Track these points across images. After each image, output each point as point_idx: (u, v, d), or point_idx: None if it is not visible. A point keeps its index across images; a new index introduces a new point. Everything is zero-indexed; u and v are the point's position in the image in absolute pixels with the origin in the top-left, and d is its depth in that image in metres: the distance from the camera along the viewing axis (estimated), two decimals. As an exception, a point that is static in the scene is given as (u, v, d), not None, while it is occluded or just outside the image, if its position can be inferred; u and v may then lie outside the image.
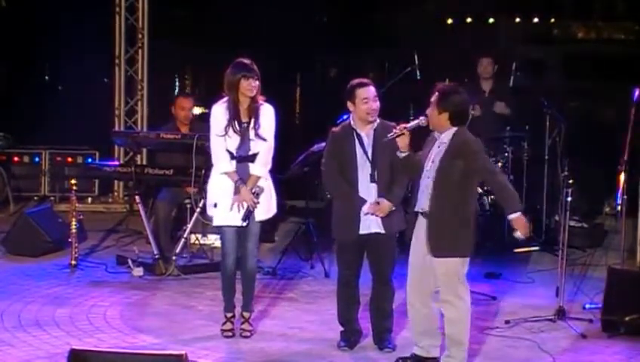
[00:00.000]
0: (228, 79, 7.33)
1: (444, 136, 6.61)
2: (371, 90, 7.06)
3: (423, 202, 6.59)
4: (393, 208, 7.01)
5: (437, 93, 6.61)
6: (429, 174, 6.58)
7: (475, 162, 6.57)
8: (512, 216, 6.48)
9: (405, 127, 6.59)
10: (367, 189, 7.06)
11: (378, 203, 7.00)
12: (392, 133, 6.60)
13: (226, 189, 7.35)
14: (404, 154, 6.62)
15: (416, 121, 6.61)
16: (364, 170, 7.07)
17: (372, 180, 7.04)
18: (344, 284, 7.23)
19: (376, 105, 7.07)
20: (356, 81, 7.13)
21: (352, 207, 7.03)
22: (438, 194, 6.52)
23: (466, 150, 6.55)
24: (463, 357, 6.63)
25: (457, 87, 6.72)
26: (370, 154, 7.05)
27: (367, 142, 7.07)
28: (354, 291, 7.24)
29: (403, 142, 6.59)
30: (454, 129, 6.60)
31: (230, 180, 7.33)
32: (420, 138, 6.82)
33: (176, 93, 14.15)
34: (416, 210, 6.65)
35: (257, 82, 7.30)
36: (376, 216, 7.01)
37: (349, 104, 7.09)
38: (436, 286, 6.65)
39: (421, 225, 6.63)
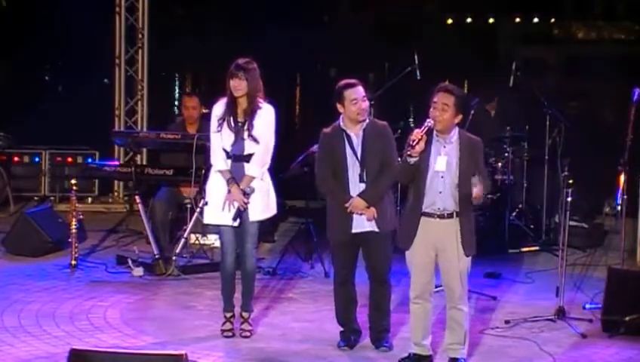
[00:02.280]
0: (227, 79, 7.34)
1: (452, 136, 6.64)
2: (360, 91, 7.05)
3: (440, 203, 6.62)
4: (366, 205, 6.98)
5: (453, 95, 6.60)
6: (441, 173, 6.60)
7: (481, 159, 6.74)
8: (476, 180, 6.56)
9: (422, 132, 6.53)
10: (358, 189, 7.06)
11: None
12: (412, 140, 6.49)
13: (219, 188, 7.35)
14: (415, 159, 6.55)
15: (427, 125, 6.57)
16: (353, 170, 7.07)
17: (361, 180, 7.04)
18: (341, 284, 7.24)
19: (366, 104, 7.07)
20: (344, 82, 7.12)
21: (344, 208, 7.03)
22: (463, 193, 6.60)
23: (475, 147, 6.68)
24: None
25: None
26: (359, 154, 7.04)
27: (357, 142, 7.07)
28: (351, 290, 7.25)
29: (420, 147, 6.53)
30: (457, 128, 6.67)
31: (223, 179, 7.33)
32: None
33: (177, 93, 14.16)
34: (430, 210, 6.65)
35: (244, 82, 7.24)
36: (358, 214, 7.00)
37: (339, 106, 7.08)
38: (452, 283, 6.71)
39: (432, 227, 6.65)
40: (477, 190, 6.54)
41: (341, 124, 7.12)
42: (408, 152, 6.52)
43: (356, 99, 7.01)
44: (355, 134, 7.08)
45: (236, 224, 7.32)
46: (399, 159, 6.81)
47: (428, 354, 6.90)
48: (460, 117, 6.65)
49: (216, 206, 7.35)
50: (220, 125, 7.31)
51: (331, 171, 7.11)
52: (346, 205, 7.00)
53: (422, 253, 6.71)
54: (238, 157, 7.33)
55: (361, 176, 7.04)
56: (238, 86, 7.26)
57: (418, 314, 6.83)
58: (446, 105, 6.58)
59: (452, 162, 6.61)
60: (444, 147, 6.64)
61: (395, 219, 7.15)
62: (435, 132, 6.63)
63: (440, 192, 6.62)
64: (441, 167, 6.61)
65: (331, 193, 7.17)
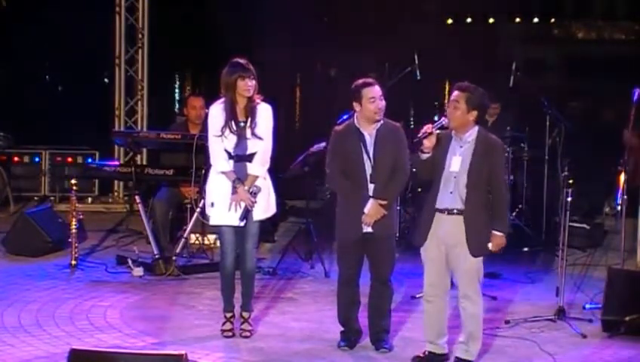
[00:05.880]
0: (224, 79, 7.31)
1: (468, 136, 6.65)
2: (377, 89, 7.05)
3: (449, 202, 6.64)
4: (384, 202, 6.99)
5: (464, 92, 6.62)
6: (455, 174, 6.62)
7: (499, 162, 6.74)
8: (497, 233, 6.67)
9: (433, 128, 6.58)
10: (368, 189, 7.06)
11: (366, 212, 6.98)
12: (421, 134, 6.56)
13: (223, 189, 7.34)
14: (427, 155, 6.61)
15: (440, 122, 6.61)
16: (366, 169, 7.07)
17: (371, 180, 7.04)
18: (345, 284, 7.23)
19: (383, 103, 7.05)
20: (361, 80, 7.10)
21: (357, 207, 7.02)
22: (472, 194, 6.61)
23: (494, 148, 6.69)
24: (478, 351, 6.82)
25: (478, 87, 6.75)
26: (372, 154, 7.04)
27: (370, 141, 7.05)
28: (354, 291, 7.24)
29: (430, 142, 6.58)
30: (476, 128, 6.68)
31: (228, 180, 7.32)
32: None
33: (176, 93, 14.15)
34: (440, 207, 6.66)
35: (254, 81, 7.28)
36: (369, 223, 7.01)
37: (355, 104, 7.06)
38: (459, 282, 6.73)
39: (442, 223, 6.67)
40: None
41: (355, 122, 7.11)
42: (420, 147, 6.56)
43: (374, 97, 7.00)
44: (369, 133, 7.06)
45: (243, 224, 7.33)
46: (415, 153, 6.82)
47: (442, 352, 6.88)
48: (475, 113, 6.62)
49: (223, 207, 7.34)
50: (222, 130, 7.29)
51: (341, 169, 7.10)
52: (363, 218, 7.00)
53: (433, 248, 6.72)
54: (241, 157, 7.33)
55: (372, 175, 7.03)
56: (252, 86, 7.27)
57: (430, 313, 6.83)
58: (457, 103, 6.62)
59: (466, 162, 6.62)
60: (461, 147, 6.66)
61: (397, 222, 7.15)
62: (452, 132, 6.65)
63: (450, 192, 6.64)
64: (456, 168, 6.63)
65: (342, 191, 7.16)
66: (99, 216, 12.19)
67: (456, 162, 6.63)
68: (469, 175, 6.60)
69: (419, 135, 6.59)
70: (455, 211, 6.64)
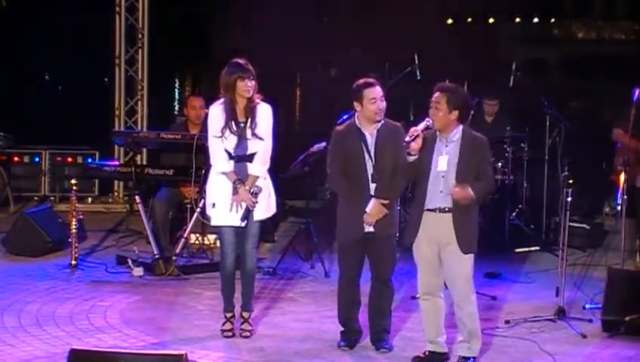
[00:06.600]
0: (224, 80, 7.31)
1: (453, 135, 6.67)
2: (378, 90, 7.06)
3: (440, 201, 6.66)
4: (385, 201, 7.00)
5: (445, 93, 6.65)
6: (442, 173, 6.64)
7: (486, 158, 6.77)
8: (469, 191, 6.55)
9: (420, 130, 6.60)
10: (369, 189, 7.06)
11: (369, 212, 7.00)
12: (409, 138, 6.58)
13: (224, 189, 7.34)
14: (414, 158, 6.63)
15: (424, 123, 6.63)
16: (367, 169, 7.07)
17: (372, 180, 7.05)
18: (346, 284, 7.22)
19: (384, 104, 7.06)
20: (363, 80, 7.12)
21: (358, 207, 7.02)
22: None
23: (479, 146, 6.72)
24: (479, 348, 6.84)
25: (459, 86, 6.78)
26: (372, 154, 7.04)
27: (371, 141, 7.06)
28: (355, 291, 7.24)
29: (417, 144, 6.60)
30: (461, 126, 6.69)
31: (228, 180, 7.32)
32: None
33: (176, 93, 14.14)
34: (431, 207, 6.68)
35: (253, 82, 7.28)
36: (370, 223, 7.01)
37: (356, 104, 7.07)
38: (452, 281, 6.73)
39: (433, 222, 6.68)
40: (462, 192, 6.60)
41: (356, 122, 7.12)
42: (407, 150, 6.57)
43: (375, 98, 7.01)
44: (370, 133, 7.07)
45: (244, 224, 7.33)
46: None
47: (443, 351, 6.90)
48: (457, 113, 6.65)
49: (224, 207, 7.34)
50: (222, 131, 7.29)
51: (342, 170, 7.10)
52: (365, 217, 7.00)
53: (425, 247, 6.74)
54: (242, 158, 7.33)
55: (373, 175, 7.04)
56: (252, 87, 7.27)
57: (428, 311, 6.85)
58: (438, 104, 6.65)
59: (453, 162, 6.65)
60: (446, 146, 6.68)
61: (398, 222, 7.16)
62: (437, 132, 6.66)
63: (441, 191, 6.66)
64: (443, 167, 6.66)
65: (342, 192, 7.16)
66: (99, 216, 12.20)
67: (443, 161, 6.66)
68: (457, 173, 6.63)
69: (406, 138, 6.59)
70: (447, 209, 6.67)
